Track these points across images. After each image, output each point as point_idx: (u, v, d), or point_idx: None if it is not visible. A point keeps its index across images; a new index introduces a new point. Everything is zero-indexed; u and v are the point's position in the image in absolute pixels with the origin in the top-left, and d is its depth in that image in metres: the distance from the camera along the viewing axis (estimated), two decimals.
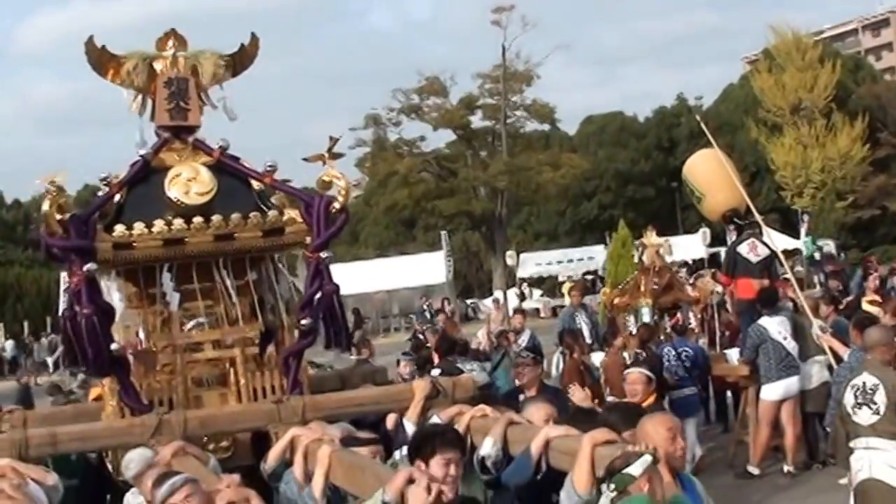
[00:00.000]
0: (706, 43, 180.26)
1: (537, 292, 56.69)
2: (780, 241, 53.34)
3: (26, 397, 20.16)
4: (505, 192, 55.10)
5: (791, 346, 12.97)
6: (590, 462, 5.35)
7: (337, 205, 8.22)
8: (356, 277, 53.20)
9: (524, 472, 5.93)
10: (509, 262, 55.54)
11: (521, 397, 9.78)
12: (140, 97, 8.53)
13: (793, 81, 57.41)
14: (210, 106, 8.66)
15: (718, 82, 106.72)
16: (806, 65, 57.52)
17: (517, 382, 10.70)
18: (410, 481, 5.14)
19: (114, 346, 7.81)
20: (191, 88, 8.48)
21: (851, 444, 8.41)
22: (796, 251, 51.70)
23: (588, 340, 16.32)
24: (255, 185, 8.60)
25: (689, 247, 50.17)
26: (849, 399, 8.36)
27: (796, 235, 53.13)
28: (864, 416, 8.21)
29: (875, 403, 8.15)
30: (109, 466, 8.39)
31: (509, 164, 54.90)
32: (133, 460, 7.07)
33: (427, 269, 52.89)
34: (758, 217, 14.37)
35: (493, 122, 57.08)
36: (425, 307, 37.11)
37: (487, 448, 6.38)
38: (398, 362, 13.80)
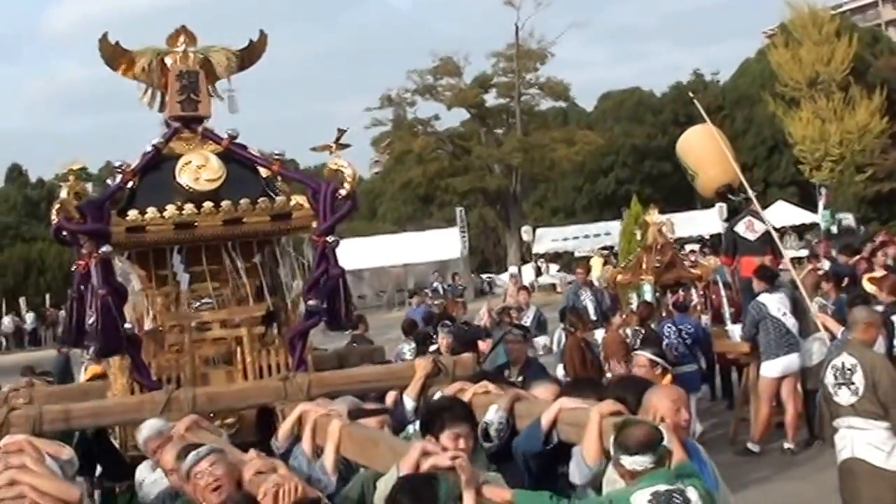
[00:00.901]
0: (724, 18, 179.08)
1: (554, 267, 56.85)
2: (798, 216, 53.96)
3: (66, 368, 19.85)
4: (519, 168, 55.31)
5: (791, 322, 13.02)
6: (598, 433, 5.44)
7: (343, 191, 8.50)
8: (374, 252, 53.68)
9: (534, 440, 5.98)
10: (525, 237, 55.67)
11: (507, 372, 10.21)
12: (150, 90, 8.90)
13: (809, 55, 57.13)
14: (217, 97, 9.00)
15: (736, 57, 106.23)
16: (822, 38, 57.21)
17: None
18: (424, 456, 5.31)
19: (126, 326, 8.10)
20: (201, 81, 8.81)
21: (834, 424, 8.54)
22: (814, 225, 51.83)
23: (593, 317, 16.59)
24: (263, 172, 8.93)
25: (706, 222, 50.26)
26: (829, 379, 8.46)
27: (815, 209, 53.17)
28: (844, 397, 8.33)
29: (853, 384, 8.26)
30: (117, 442, 8.71)
31: (523, 142, 55.35)
32: (145, 427, 7.29)
33: (442, 244, 53.54)
34: (751, 193, 14.48)
35: (508, 100, 57.19)
36: (437, 282, 37.31)
37: (491, 414, 6.44)
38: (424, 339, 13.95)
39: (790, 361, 13.08)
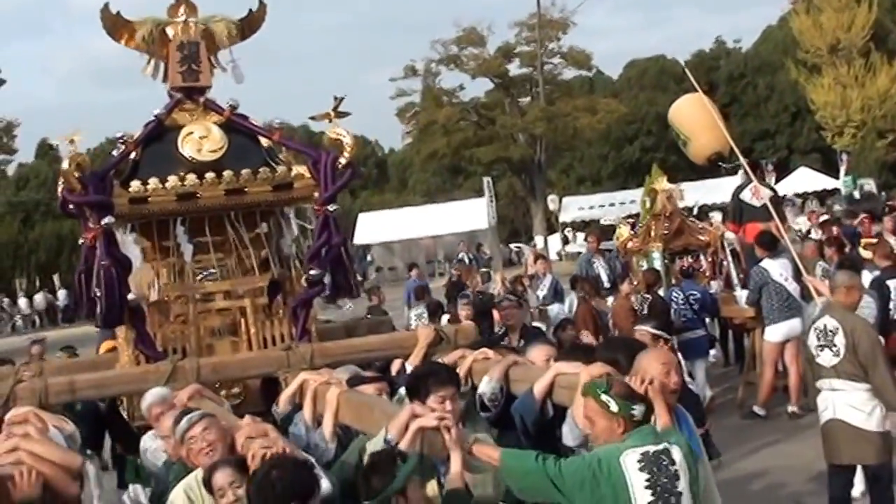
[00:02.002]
0: None
1: (581, 236, 56.47)
2: (820, 182, 53.43)
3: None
4: (542, 137, 54.89)
5: (792, 287, 12.95)
6: None
7: (343, 160, 8.37)
8: (403, 223, 53.47)
9: (530, 406, 6.00)
10: (552, 206, 55.35)
11: (506, 340, 10.14)
12: (153, 61, 8.75)
13: (830, 22, 56.33)
14: (220, 68, 8.85)
15: (758, 24, 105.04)
16: (843, 5, 56.36)
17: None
18: (413, 418, 5.29)
19: (130, 297, 8.03)
20: (202, 52, 8.69)
21: (817, 385, 8.55)
22: (836, 191, 51.29)
23: (606, 285, 16.50)
24: (264, 142, 8.80)
25: (730, 188, 49.61)
26: (812, 341, 8.46)
27: (837, 175, 52.63)
28: (826, 358, 8.33)
29: (835, 346, 8.26)
30: (125, 413, 8.64)
31: (546, 111, 54.67)
32: (150, 394, 7.27)
33: (471, 215, 52.84)
34: (742, 160, 14.33)
35: (531, 69, 56.83)
36: (463, 253, 37.17)
37: (484, 385, 6.47)
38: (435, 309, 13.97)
39: (792, 326, 12.95)
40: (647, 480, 4.76)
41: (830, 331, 8.29)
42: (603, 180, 70.34)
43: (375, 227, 54.65)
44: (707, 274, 15.65)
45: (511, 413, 6.20)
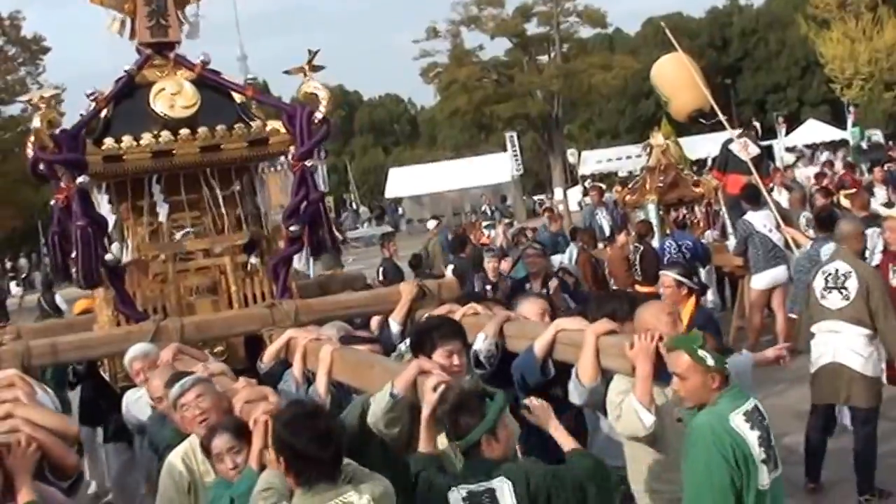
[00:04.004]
0: None
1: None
2: (828, 133, 52.64)
3: None
4: (559, 94, 54.44)
5: (776, 237, 12.91)
6: (594, 353, 5.17)
7: (319, 115, 7.82)
8: (431, 178, 53.43)
9: (532, 367, 5.66)
10: (571, 160, 55.02)
11: (528, 286, 10.14)
12: (119, 17, 8.13)
13: None
14: (186, 23, 8.22)
15: None
16: None
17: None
18: (422, 374, 4.87)
19: (108, 257, 7.56)
20: (170, 6, 8.11)
21: (814, 329, 8.24)
22: (844, 142, 50.36)
23: (609, 236, 16.62)
24: (237, 97, 8.22)
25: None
26: (819, 283, 8.23)
27: (846, 127, 51.76)
28: (834, 301, 8.10)
29: (846, 289, 8.05)
30: (106, 375, 8.21)
31: (561, 68, 54.56)
32: (132, 349, 6.92)
33: (495, 168, 52.95)
34: (721, 117, 14.36)
35: (548, 28, 56.19)
36: (485, 205, 36.82)
37: (479, 343, 6.09)
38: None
39: (777, 273, 12.96)
40: (759, 438, 4.60)
41: (843, 275, 8.09)
42: (621, 134, 69.95)
43: (405, 182, 54.94)
44: (701, 224, 15.73)
45: (507, 370, 5.89)
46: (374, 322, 7.97)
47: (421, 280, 8.24)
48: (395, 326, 7.49)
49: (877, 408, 8.19)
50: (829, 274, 8.17)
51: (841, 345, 8.03)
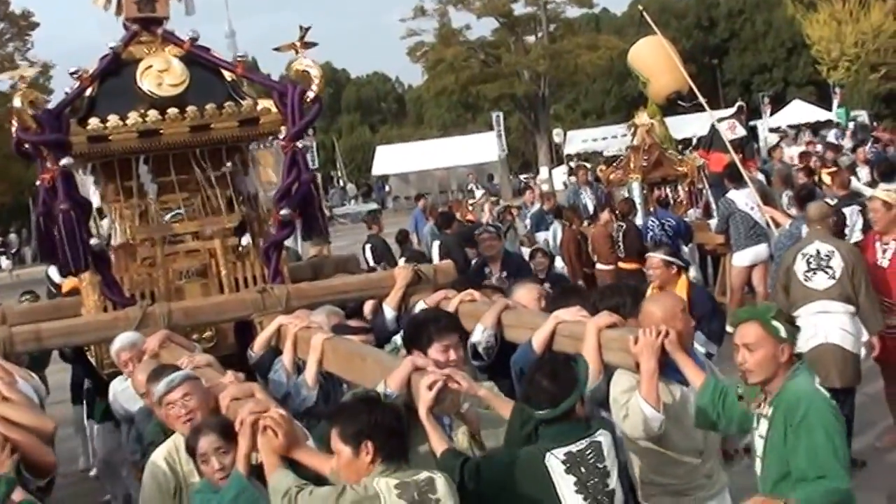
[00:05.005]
0: None
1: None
2: (813, 114, 52.55)
3: None
4: (545, 74, 54.25)
5: (758, 216, 12.91)
6: (596, 349, 4.93)
7: (311, 94, 7.48)
8: (418, 156, 53.41)
9: (529, 356, 5.36)
10: (557, 139, 54.87)
11: (487, 270, 9.83)
12: None
13: None
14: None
15: None
16: None
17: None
18: (416, 371, 4.63)
19: (93, 241, 7.27)
20: None
21: (800, 311, 8.01)
22: (830, 122, 50.26)
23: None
24: (227, 75, 7.87)
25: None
26: (800, 266, 8.20)
27: (831, 108, 51.68)
28: (820, 281, 8.10)
29: (831, 268, 8.09)
30: (93, 360, 7.90)
31: (547, 48, 54.83)
32: (118, 339, 6.64)
33: (481, 147, 53.14)
34: (701, 99, 14.15)
35: (535, 8, 55.99)
36: (472, 184, 36.70)
37: (478, 335, 5.84)
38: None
39: (758, 251, 13.01)
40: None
41: (825, 255, 8.13)
42: (606, 114, 69.60)
43: (392, 159, 54.99)
44: (685, 203, 15.79)
45: (506, 361, 5.64)
46: (368, 307, 7.64)
47: (416, 264, 7.95)
48: (389, 312, 7.20)
49: (854, 388, 8.21)
50: (811, 255, 8.16)
51: (832, 325, 8.01)
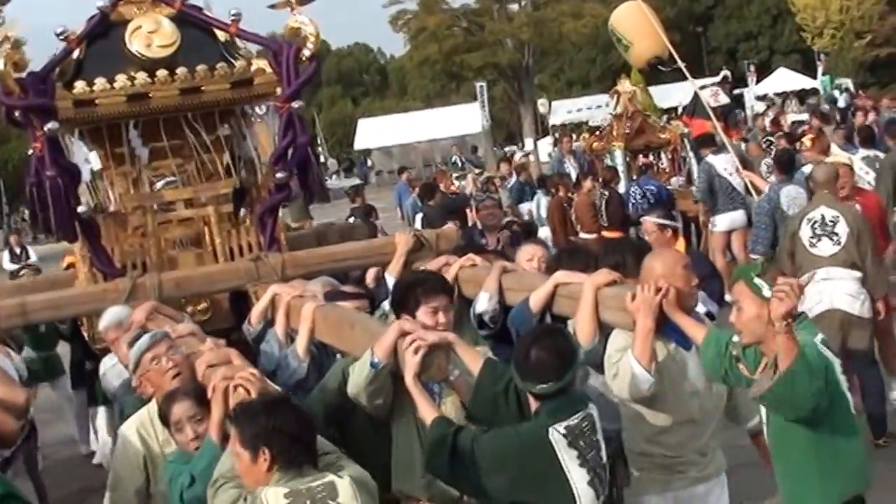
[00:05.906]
0: None
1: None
2: (799, 81, 52.56)
3: None
4: (529, 43, 54.04)
5: (736, 181, 13.18)
6: (593, 308, 4.84)
7: (307, 52, 7.18)
8: (401, 128, 53.22)
9: (526, 317, 5.28)
10: (542, 109, 54.70)
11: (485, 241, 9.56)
12: None
13: None
14: None
15: None
16: None
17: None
18: (402, 336, 4.46)
19: (81, 209, 6.97)
20: None
21: (804, 279, 7.72)
22: (815, 90, 50.25)
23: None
24: (221, 35, 7.55)
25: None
26: (805, 232, 8.20)
27: (815, 76, 51.67)
28: (825, 247, 8.10)
29: (836, 234, 8.09)
30: (85, 335, 7.71)
31: (531, 16, 54.40)
32: (106, 315, 6.41)
33: (465, 119, 53.08)
34: (681, 63, 14.25)
35: None
36: (455, 156, 36.49)
37: (483, 304, 5.67)
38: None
39: (735, 217, 13.32)
40: (840, 366, 4.36)
41: (830, 220, 8.12)
42: (591, 83, 69.30)
43: (374, 133, 54.74)
44: (668, 171, 16.17)
45: (508, 324, 5.51)
46: (370, 275, 7.47)
47: (418, 230, 7.75)
48: (391, 281, 6.84)
49: (872, 355, 8.28)
50: (816, 221, 8.15)
51: (837, 290, 8.00)
